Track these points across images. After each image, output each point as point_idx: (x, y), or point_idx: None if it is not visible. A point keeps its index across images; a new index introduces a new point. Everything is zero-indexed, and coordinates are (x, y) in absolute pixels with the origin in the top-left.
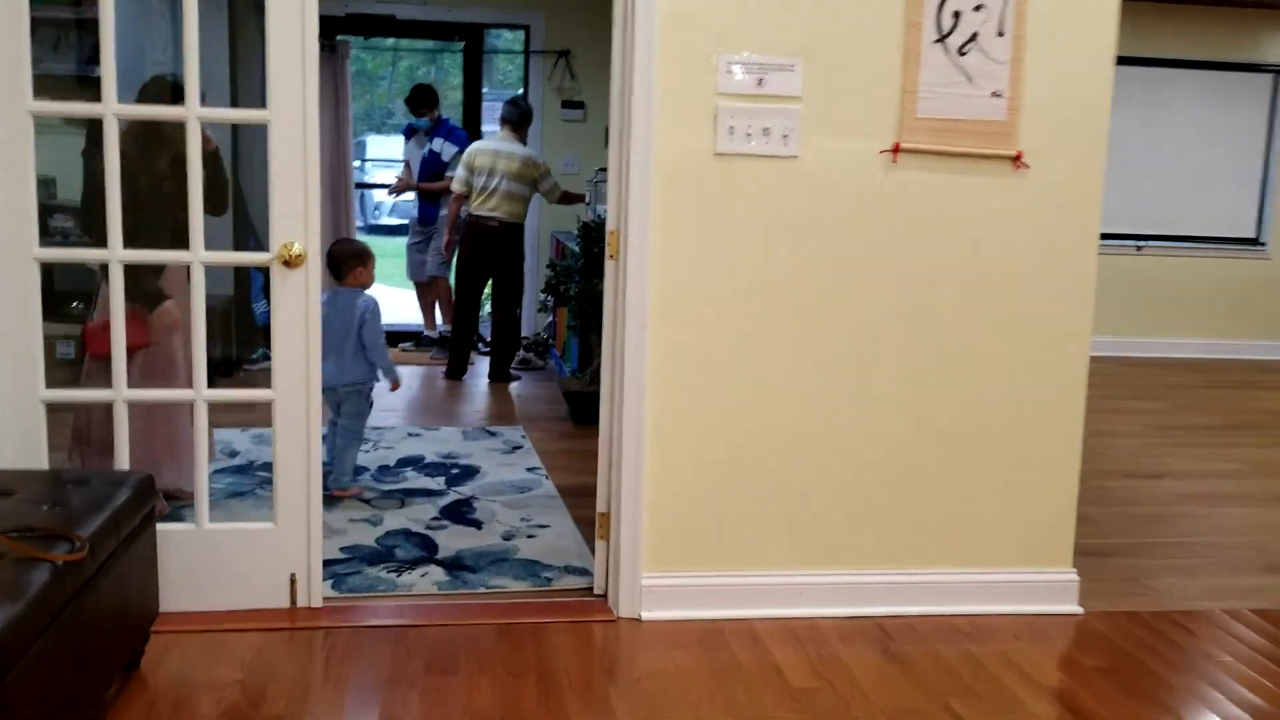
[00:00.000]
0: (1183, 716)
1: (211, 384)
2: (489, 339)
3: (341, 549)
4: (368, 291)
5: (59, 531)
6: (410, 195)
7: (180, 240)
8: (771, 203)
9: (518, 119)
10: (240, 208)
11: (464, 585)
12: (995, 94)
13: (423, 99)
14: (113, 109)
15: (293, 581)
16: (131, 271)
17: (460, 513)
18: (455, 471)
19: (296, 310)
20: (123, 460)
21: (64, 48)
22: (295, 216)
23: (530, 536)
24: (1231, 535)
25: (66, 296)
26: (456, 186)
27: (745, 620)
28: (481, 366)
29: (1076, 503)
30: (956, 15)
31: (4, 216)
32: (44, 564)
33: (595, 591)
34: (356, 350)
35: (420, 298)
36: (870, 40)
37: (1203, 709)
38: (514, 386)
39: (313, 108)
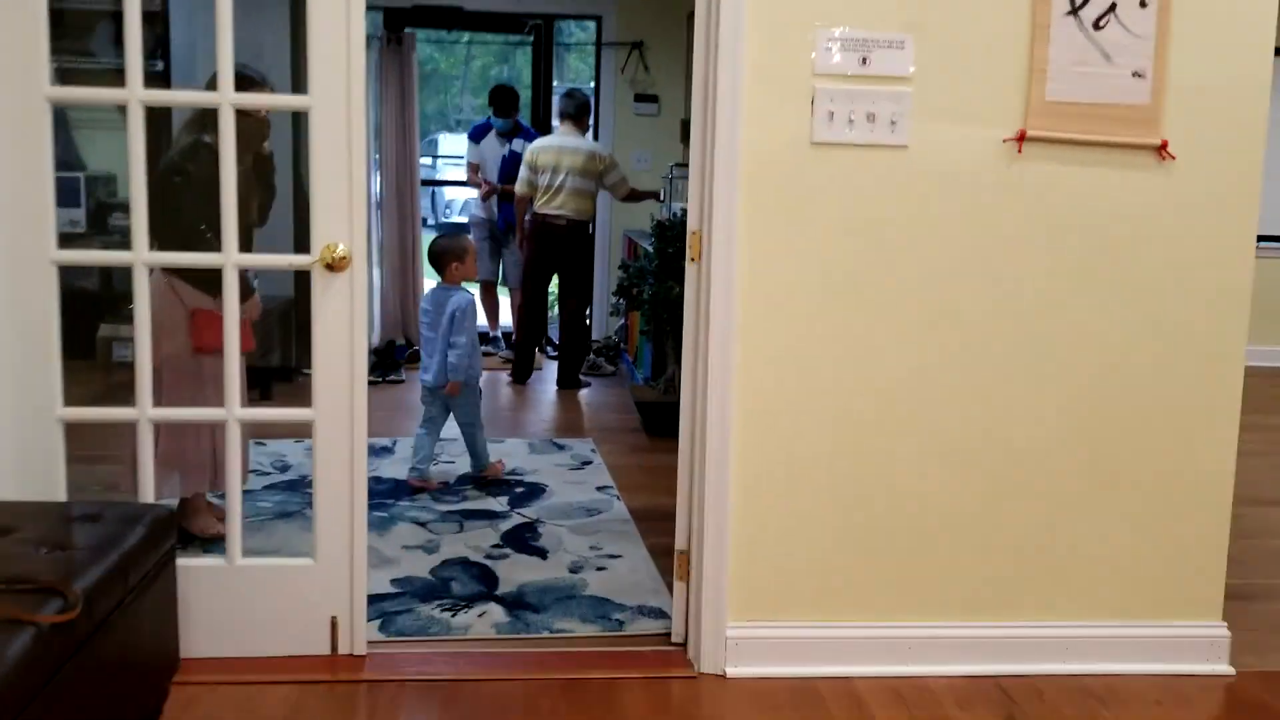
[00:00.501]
0: None
1: (268, 392)
2: (556, 342)
3: (393, 581)
4: (457, 287)
5: (51, 584)
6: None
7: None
8: (876, 199)
9: (576, 111)
10: (303, 207)
11: (526, 628)
12: (1136, 74)
13: (507, 100)
14: (138, 95)
15: (334, 625)
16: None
17: (524, 539)
18: (520, 490)
19: (340, 319)
20: (146, 486)
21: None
22: (339, 214)
23: (600, 569)
24: None
25: (124, 297)
26: (520, 189)
27: (845, 679)
28: (549, 370)
29: (1227, 545)
30: None
31: (17, 215)
32: (29, 625)
33: (673, 640)
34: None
35: (485, 298)
36: (992, 12)
37: None
38: (583, 394)
39: (358, 93)
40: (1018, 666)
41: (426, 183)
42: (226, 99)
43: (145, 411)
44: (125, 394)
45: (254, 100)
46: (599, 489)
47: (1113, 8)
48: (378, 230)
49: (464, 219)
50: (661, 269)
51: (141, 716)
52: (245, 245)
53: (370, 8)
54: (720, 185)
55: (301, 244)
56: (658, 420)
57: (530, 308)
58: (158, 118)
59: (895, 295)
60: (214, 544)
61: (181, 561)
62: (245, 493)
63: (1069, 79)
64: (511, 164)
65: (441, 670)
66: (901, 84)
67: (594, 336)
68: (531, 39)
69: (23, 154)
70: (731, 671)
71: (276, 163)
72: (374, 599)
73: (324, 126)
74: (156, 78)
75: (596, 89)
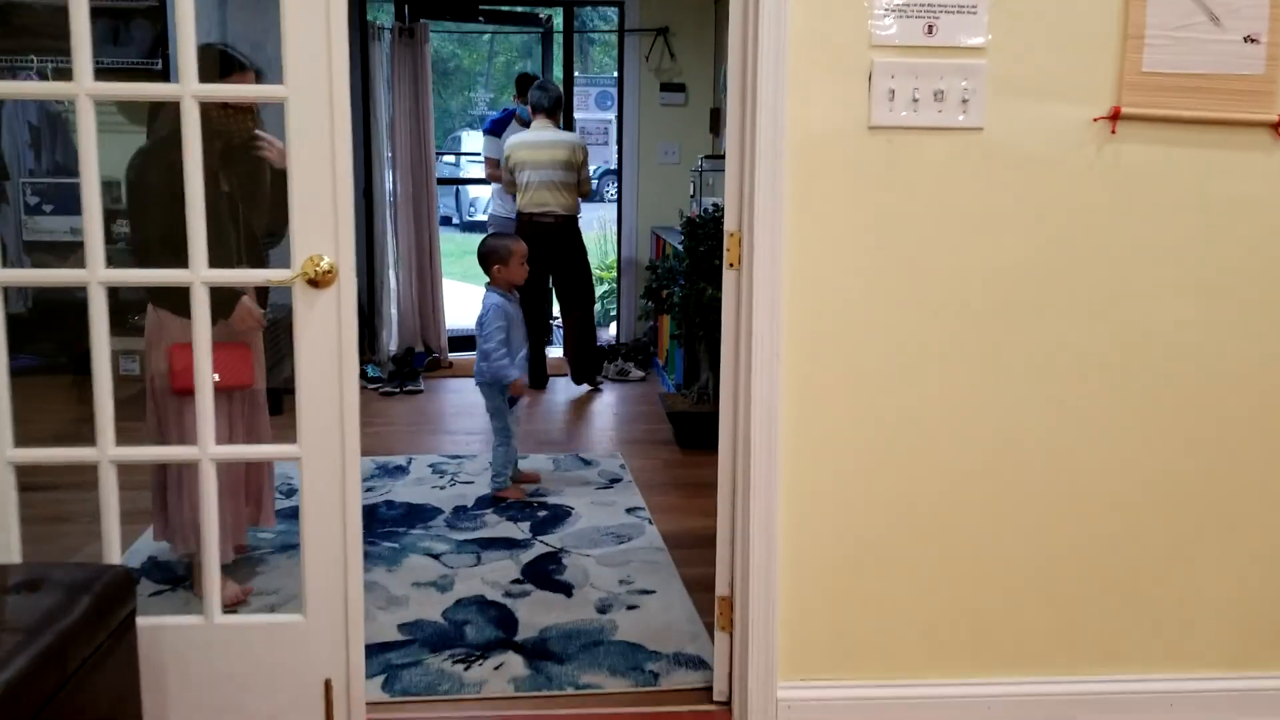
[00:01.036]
0: None
1: (279, 407)
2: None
3: (400, 627)
4: (497, 290)
5: None
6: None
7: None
8: (946, 191)
9: (551, 105)
10: None
11: (548, 683)
12: (1250, 39)
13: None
14: (85, 88)
15: (328, 689)
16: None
17: (547, 572)
18: (543, 514)
19: (327, 342)
20: (111, 539)
21: (124, 39)
22: (323, 222)
23: (631, 607)
24: None
25: (131, 308)
26: (507, 189)
27: None
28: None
29: None
30: None
31: None
32: None
33: (715, 698)
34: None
35: None
36: None
37: None
38: (611, 402)
39: (341, 82)
40: None
41: (446, 181)
42: (189, 91)
43: (106, 452)
44: (128, 410)
45: (218, 92)
46: (629, 511)
47: None
48: (392, 231)
49: (485, 217)
50: (692, 269)
51: None
52: (255, 260)
53: None
54: (763, 179)
55: None
56: (691, 431)
57: (535, 313)
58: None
59: (969, 303)
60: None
61: (150, 621)
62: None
63: (1170, 46)
64: None
65: None
66: (974, 55)
67: (622, 339)
68: (542, 31)
69: None
70: None
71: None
72: (378, 649)
73: (302, 121)
74: (156, 76)
75: (620, 78)
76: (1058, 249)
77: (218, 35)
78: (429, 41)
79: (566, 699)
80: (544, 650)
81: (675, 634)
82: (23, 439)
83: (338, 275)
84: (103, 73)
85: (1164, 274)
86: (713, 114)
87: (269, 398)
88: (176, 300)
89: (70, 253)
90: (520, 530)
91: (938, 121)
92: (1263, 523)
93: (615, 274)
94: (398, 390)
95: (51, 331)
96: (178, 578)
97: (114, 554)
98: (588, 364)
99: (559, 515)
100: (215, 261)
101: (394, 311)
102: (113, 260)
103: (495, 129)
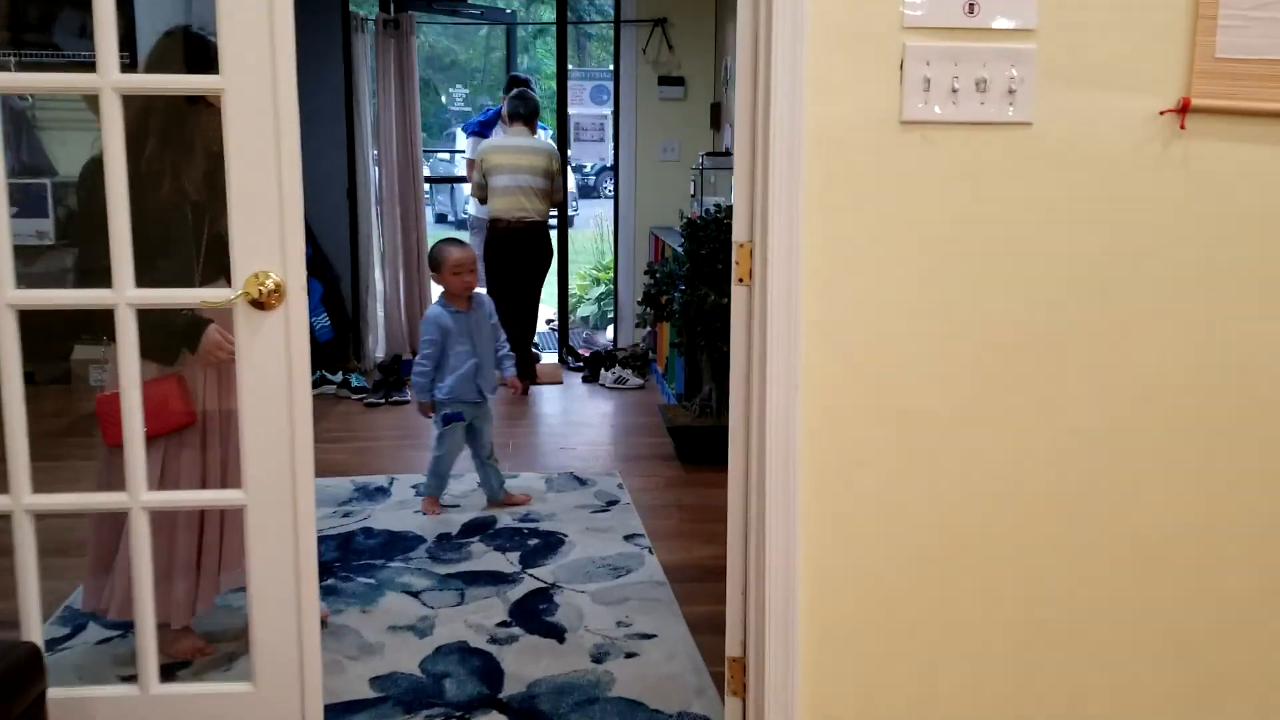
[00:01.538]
0: None
1: None
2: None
3: (373, 681)
4: (441, 300)
5: None
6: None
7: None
8: (990, 196)
9: (528, 113)
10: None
11: None
12: None
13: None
14: None
15: None
16: (143, 316)
17: (537, 613)
18: (534, 543)
19: (274, 370)
20: (29, 604)
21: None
22: (267, 233)
23: (630, 655)
24: None
25: (104, 315)
26: (475, 193)
27: None
28: (571, 384)
29: None
30: None
31: None
32: None
33: None
34: None
35: None
36: None
37: None
38: (609, 411)
39: (288, 72)
40: None
41: (440, 180)
42: (109, 82)
43: (20, 500)
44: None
45: (141, 83)
46: (627, 538)
47: None
48: (379, 232)
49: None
50: (694, 273)
51: None
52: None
53: None
54: (778, 184)
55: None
56: (693, 446)
57: (508, 316)
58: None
59: (1016, 322)
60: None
61: (73, 694)
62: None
63: (1248, 27)
64: None
65: None
66: (1022, 39)
67: (619, 345)
68: (501, 24)
69: None
70: None
71: None
72: (344, 709)
73: (243, 116)
74: (127, 71)
75: (616, 71)
76: (1118, 260)
77: (182, 18)
78: (415, 34)
79: None
80: (532, 709)
81: (679, 688)
82: None
83: (286, 294)
84: (71, 66)
85: (1240, 288)
86: (713, 109)
87: None
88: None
89: (37, 257)
90: (509, 562)
91: (980, 115)
92: None
93: (612, 276)
94: (383, 401)
95: None
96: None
97: (31, 623)
98: (526, 362)
99: (551, 543)
100: (173, 281)
101: (380, 316)
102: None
103: (481, 130)
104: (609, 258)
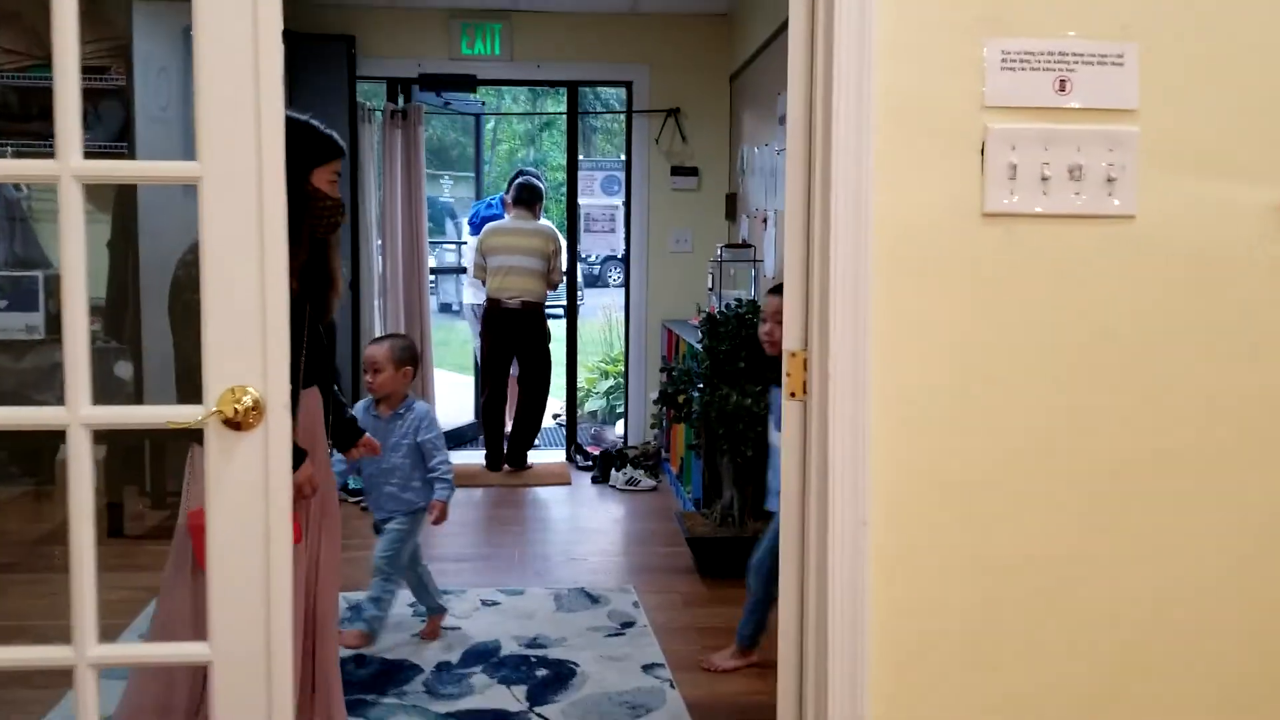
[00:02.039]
0: None
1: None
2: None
3: None
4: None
5: None
6: None
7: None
8: (1088, 301)
9: (530, 198)
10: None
11: None
12: None
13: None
14: None
15: None
16: None
17: None
18: (542, 674)
19: (250, 503)
20: None
21: (91, 121)
22: (247, 341)
23: None
24: None
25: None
26: (474, 274)
27: None
28: (580, 483)
29: None
30: None
31: None
32: None
33: None
34: None
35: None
36: (1260, 6)
37: None
38: (621, 517)
39: (275, 160)
40: None
41: (447, 270)
42: (69, 169)
43: (85, 653)
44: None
45: (106, 171)
46: (645, 669)
47: None
48: (381, 323)
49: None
50: (713, 372)
51: None
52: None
53: (371, 78)
54: (841, 287)
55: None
56: (714, 559)
57: (496, 396)
58: None
59: (1121, 448)
60: None
61: None
62: None
63: None
64: None
65: None
66: (1122, 120)
67: (630, 443)
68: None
69: None
70: None
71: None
72: None
73: (222, 209)
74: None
75: (628, 161)
76: (1235, 376)
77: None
78: (423, 124)
79: None
80: None
81: None
82: None
83: (266, 413)
84: None
85: None
86: (729, 199)
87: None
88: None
89: (25, 351)
90: (515, 697)
91: (1075, 207)
92: None
93: (622, 370)
94: None
95: None
96: None
97: None
98: (521, 446)
99: (562, 674)
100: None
101: None
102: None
103: (479, 229)
104: (618, 349)
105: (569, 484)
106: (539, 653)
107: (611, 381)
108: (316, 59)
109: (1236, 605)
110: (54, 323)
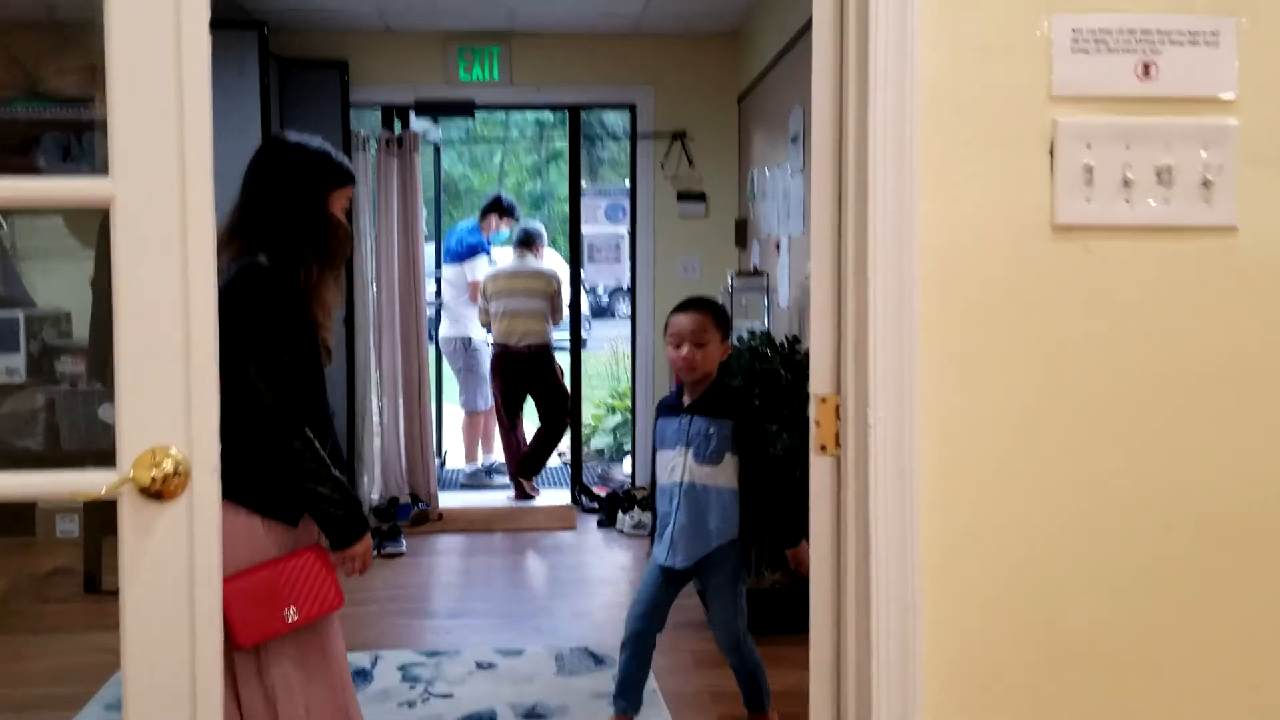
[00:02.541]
0: None
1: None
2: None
3: None
4: None
5: None
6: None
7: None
8: (1180, 327)
9: (529, 241)
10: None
11: None
12: None
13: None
14: None
15: None
16: None
17: None
18: None
19: (172, 588)
20: None
21: (75, 154)
22: (168, 395)
23: None
24: None
25: (73, 459)
26: (481, 319)
27: None
28: (587, 528)
29: None
30: None
31: None
32: None
33: None
34: None
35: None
36: None
37: None
38: (624, 565)
39: (201, 178)
40: None
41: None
42: None
43: None
44: (64, 580)
45: (12, 192)
46: None
47: None
48: (375, 361)
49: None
50: None
51: None
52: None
53: (366, 105)
54: (882, 319)
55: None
56: None
57: (509, 435)
58: None
59: (1219, 504)
60: None
61: None
62: None
63: None
64: None
65: None
66: (1219, 111)
67: (637, 484)
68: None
69: None
70: None
71: None
72: None
73: (138, 234)
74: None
75: (632, 187)
76: None
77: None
78: (419, 151)
79: None
80: None
81: None
82: None
83: (191, 479)
84: None
85: None
86: (738, 225)
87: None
88: (236, 483)
89: (5, 396)
90: None
91: (1164, 218)
92: None
93: (629, 405)
94: (375, 553)
95: None
96: None
97: None
98: (535, 462)
99: None
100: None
101: (377, 449)
102: None
103: (466, 254)
104: (625, 384)
105: (574, 528)
106: None
107: (618, 418)
108: (307, 85)
109: None
110: (36, 365)
